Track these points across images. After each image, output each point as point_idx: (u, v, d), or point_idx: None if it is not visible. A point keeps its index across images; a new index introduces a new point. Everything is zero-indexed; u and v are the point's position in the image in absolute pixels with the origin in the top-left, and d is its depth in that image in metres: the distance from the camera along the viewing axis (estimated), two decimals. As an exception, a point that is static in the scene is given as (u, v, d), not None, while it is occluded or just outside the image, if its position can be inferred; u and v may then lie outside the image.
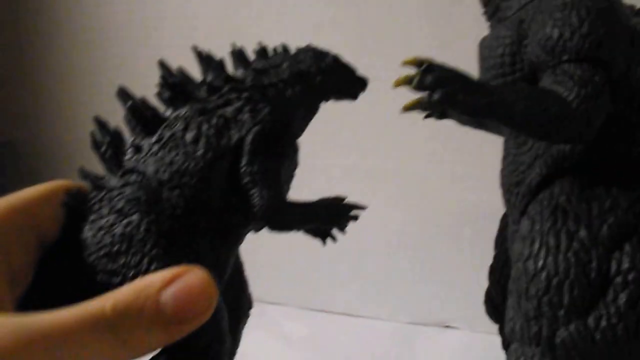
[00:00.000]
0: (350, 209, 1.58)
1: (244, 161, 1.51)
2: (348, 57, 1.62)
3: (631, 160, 1.32)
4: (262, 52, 1.67)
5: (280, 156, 1.57)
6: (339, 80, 1.65)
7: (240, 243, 1.61)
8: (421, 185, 2.32)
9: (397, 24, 2.31)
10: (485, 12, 1.43)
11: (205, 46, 1.68)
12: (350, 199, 1.53)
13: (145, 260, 1.45)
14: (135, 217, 1.48)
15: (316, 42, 1.64)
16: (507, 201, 1.43)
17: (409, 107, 1.18)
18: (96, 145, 1.56)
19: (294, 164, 1.66)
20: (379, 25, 2.35)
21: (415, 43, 2.25)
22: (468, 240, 2.23)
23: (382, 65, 2.16)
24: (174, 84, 1.59)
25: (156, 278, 0.76)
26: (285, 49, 1.68)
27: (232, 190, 1.54)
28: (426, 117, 1.52)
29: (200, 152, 1.51)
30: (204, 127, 1.53)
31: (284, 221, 1.53)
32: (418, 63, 1.18)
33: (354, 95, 1.68)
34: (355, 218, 1.59)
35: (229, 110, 1.57)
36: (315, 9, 2.45)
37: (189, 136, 1.52)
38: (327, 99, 1.69)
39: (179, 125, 1.54)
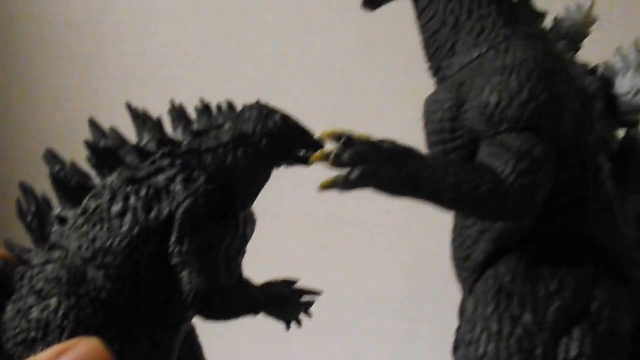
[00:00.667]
0: (300, 295, 1.43)
1: (172, 239, 1.38)
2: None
3: (582, 235, 1.20)
4: (203, 109, 1.53)
5: (218, 232, 1.42)
6: (288, 143, 1.48)
7: (187, 326, 1.46)
8: (405, 238, 2.21)
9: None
10: (429, 69, 1.33)
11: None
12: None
13: None
14: (53, 300, 1.37)
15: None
16: (458, 275, 1.32)
17: (325, 187, 1.08)
18: (21, 214, 1.47)
19: (243, 237, 1.51)
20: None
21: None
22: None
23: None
24: (102, 149, 1.49)
25: (43, 355, 0.69)
26: (230, 105, 1.54)
27: (164, 271, 1.40)
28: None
29: (125, 228, 1.39)
30: (132, 198, 1.41)
31: (219, 311, 1.39)
32: (336, 136, 1.09)
33: (305, 161, 1.47)
34: (308, 306, 1.44)
35: (160, 179, 1.44)
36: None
37: (115, 209, 1.41)
38: (276, 165, 1.53)
39: (106, 196, 1.43)
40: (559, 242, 1.20)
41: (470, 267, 1.26)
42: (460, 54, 1.25)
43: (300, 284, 1.45)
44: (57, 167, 1.49)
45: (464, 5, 1.25)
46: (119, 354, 1.27)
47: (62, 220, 1.44)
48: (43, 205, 1.48)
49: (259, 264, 1.55)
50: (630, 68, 1.26)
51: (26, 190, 1.47)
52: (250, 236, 1.53)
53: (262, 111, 1.48)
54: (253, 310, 1.41)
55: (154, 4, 2.62)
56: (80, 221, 1.42)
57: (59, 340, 1.31)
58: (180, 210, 1.39)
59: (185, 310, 1.41)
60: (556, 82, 1.17)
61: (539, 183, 1.12)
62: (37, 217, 1.46)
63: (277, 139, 1.47)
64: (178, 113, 1.53)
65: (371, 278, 2.26)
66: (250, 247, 1.55)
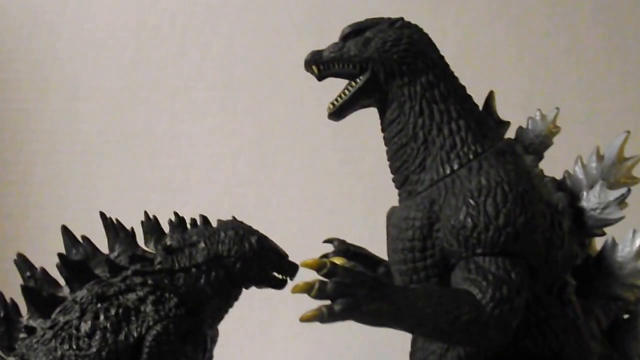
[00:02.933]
0: None
1: None
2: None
3: (550, 353, 1.19)
4: (177, 223, 1.53)
5: (187, 357, 1.41)
6: (263, 267, 1.49)
7: None
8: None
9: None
10: (394, 180, 1.30)
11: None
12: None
13: None
14: None
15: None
16: None
17: (307, 319, 1.02)
18: None
19: (208, 356, 1.49)
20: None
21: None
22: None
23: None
24: (73, 263, 1.46)
25: None
26: (205, 221, 1.54)
27: None
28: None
29: (94, 350, 1.36)
30: (101, 318, 1.38)
31: None
32: (318, 266, 1.03)
33: (280, 285, 1.53)
34: None
35: (131, 297, 1.41)
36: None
37: (84, 327, 1.37)
38: (247, 287, 1.53)
39: (75, 312, 1.40)
40: (524, 362, 1.18)
41: (435, 383, 1.23)
42: (430, 170, 1.22)
43: None
44: (27, 274, 1.48)
45: (434, 120, 1.23)
46: None
47: (30, 331, 1.41)
48: (12, 311, 1.45)
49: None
50: (597, 181, 1.26)
51: None
52: (212, 354, 1.51)
53: (238, 232, 1.49)
54: None
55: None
56: (48, 335, 1.38)
57: None
58: (151, 335, 1.37)
59: None
60: (529, 203, 1.15)
61: (516, 309, 1.10)
62: (4, 323, 1.43)
63: (252, 263, 1.47)
64: (151, 226, 1.52)
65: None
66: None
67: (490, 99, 1.33)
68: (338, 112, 1.30)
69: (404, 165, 1.26)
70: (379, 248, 1.39)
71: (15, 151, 2.61)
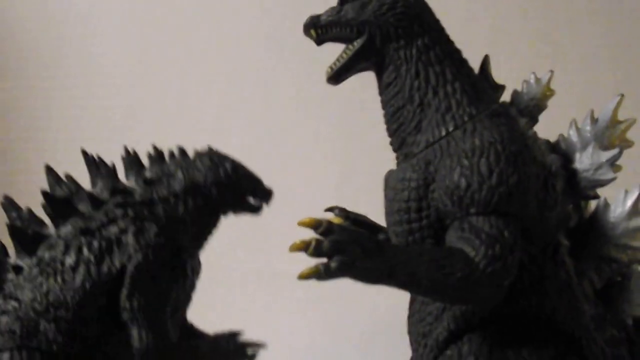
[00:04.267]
0: (245, 348, 1.46)
1: (123, 295, 1.40)
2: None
3: (543, 316, 1.21)
4: (156, 157, 1.56)
5: (168, 286, 1.44)
6: (238, 192, 1.53)
7: None
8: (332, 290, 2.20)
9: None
10: (391, 144, 1.31)
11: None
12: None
13: None
14: (6, 355, 1.37)
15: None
16: (415, 351, 1.31)
17: (305, 276, 1.05)
18: None
19: (190, 284, 1.53)
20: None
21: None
22: (382, 351, 2.10)
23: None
24: (57, 199, 1.50)
25: None
26: (182, 152, 1.56)
27: (114, 325, 1.42)
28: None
29: (78, 282, 1.40)
30: (85, 251, 1.43)
31: None
32: (315, 225, 1.05)
33: (255, 210, 1.56)
34: (252, 358, 1.48)
35: (112, 230, 1.45)
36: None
37: (69, 261, 1.42)
38: (225, 214, 1.57)
39: (60, 247, 1.44)
40: (522, 324, 1.20)
41: (430, 344, 1.25)
42: (426, 132, 1.24)
43: (244, 337, 1.48)
44: (14, 214, 1.51)
45: (430, 83, 1.24)
46: None
47: (17, 270, 1.45)
48: (0, 253, 1.49)
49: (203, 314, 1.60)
50: (590, 143, 1.28)
51: None
52: (196, 283, 1.54)
53: (214, 159, 1.52)
54: None
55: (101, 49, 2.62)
56: (34, 272, 1.43)
57: None
58: (132, 264, 1.41)
59: None
60: (522, 164, 1.17)
61: (508, 268, 1.12)
62: None
63: (227, 188, 1.51)
64: (131, 160, 1.55)
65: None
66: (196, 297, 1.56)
67: (485, 63, 1.34)
68: (336, 75, 1.32)
69: (400, 128, 1.27)
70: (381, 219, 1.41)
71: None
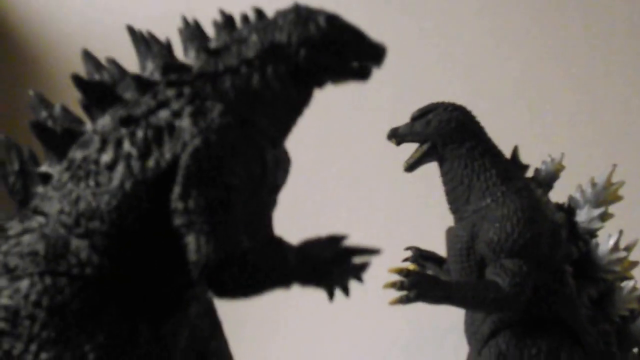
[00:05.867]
0: (350, 255, 1.09)
1: (175, 193, 1.05)
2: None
3: (552, 317, 1.86)
4: (225, 23, 1.20)
5: (237, 181, 1.07)
6: (337, 52, 1.15)
7: (198, 307, 1.19)
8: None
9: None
10: (450, 209, 1.99)
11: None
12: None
13: (32, 348, 1.02)
14: (24, 282, 1.06)
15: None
16: (469, 343, 1.99)
17: (394, 302, 1.75)
18: (4, 175, 1.21)
19: (273, 184, 1.17)
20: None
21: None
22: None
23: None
24: (93, 85, 1.18)
25: None
26: (260, 14, 1.19)
27: (165, 236, 1.08)
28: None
29: (115, 184, 1.08)
30: (126, 144, 1.09)
31: (237, 285, 1.03)
32: (399, 271, 1.76)
33: (362, 75, 1.18)
34: (360, 269, 1.13)
35: (163, 115, 1.11)
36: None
37: (105, 159, 1.10)
38: (320, 84, 1.22)
39: (95, 144, 1.13)
40: (538, 323, 1.87)
41: (479, 337, 1.93)
42: (472, 203, 1.91)
43: (349, 242, 1.12)
44: (44, 114, 1.21)
45: (475, 171, 1.91)
46: (106, 349, 1.04)
47: (45, 178, 1.17)
48: (29, 162, 1.21)
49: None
50: (587, 202, 1.92)
51: (10, 146, 1.21)
52: (284, 182, 1.23)
53: (301, 14, 1.15)
54: (284, 280, 1.07)
55: None
56: (64, 178, 1.13)
57: (29, 333, 1.03)
58: (187, 153, 1.06)
59: (191, 286, 1.13)
60: (535, 224, 1.83)
61: (525, 289, 1.79)
62: (21, 177, 1.19)
63: (320, 48, 1.14)
64: (192, 31, 1.20)
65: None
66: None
67: (515, 152, 1.99)
68: (411, 167, 1.98)
69: (455, 200, 1.94)
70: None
71: None
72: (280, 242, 1.08)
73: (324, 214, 2.94)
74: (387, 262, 1.76)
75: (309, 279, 1.06)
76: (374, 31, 1.21)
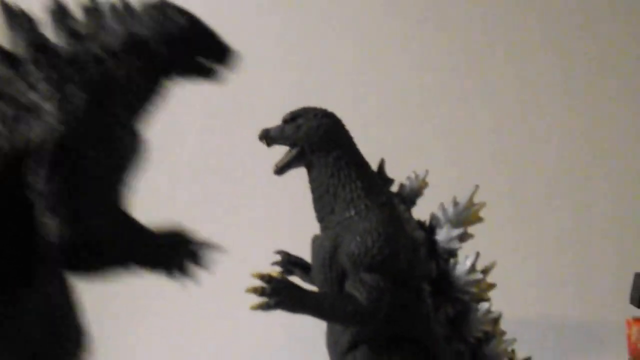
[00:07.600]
0: (189, 243, 1.27)
1: (37, 175, 1.10)
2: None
3: (408, 334, 1.86)
4: (92, 8, 1.25)
5: (95, 164, 1.16)
6: (193, 52, 1.29)
7: (56, 287, 1.23)
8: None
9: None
10: (316, 217, 1.97)
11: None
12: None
13: None
14: None
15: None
16: (329, 354, 1.98)
17: (254, 308, 1.71)
18: None
19: (128, 170, 1.28)
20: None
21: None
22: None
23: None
24: None
25: None
26: (126, 5, 1.28)
27: (22, 215, 1.16)
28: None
29: None
30: None
31: (89, 265, 1.15)
32: (261, 277, 1.72)
33: (209, 74, 1.33)
34: (198, 256, 1.29)
35: (30, 97, 1.15)
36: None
37: None
38: (175, 78, 1.33)
39: None
40: (394, 339, 1.87)
41: (338, 350, 1.91)
42: (337, 214, 1.89)
43: (191, 232, 1.30)
44: None
45: (340, 181, 1.90)
46: None
47: None
48: None
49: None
50: (448, 222, 1.94)
51: None
52: (138, 166, 1.33)
53: (165, 12, 1.27)
54: (132, 261, 1.21)
55: None
56: None
57: None
58: (52, 137, 1.12)
59: (45, 263, 1.18)
60: (395, 240, 1.83)
61: (382, 305, 1.78)
62: None
63: (179, 46, 1.27)
64: (60, 10, 1.26)
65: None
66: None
67: (381, 165, 2.00)
68: (280, 170, 1.95)
69: (322, 209, 1.93)
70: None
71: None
72: (131, 225, 1.20)
73: (199, 212, 2.90)
74: (266, 263, 1.76)
75: (146, 260, 1.19)
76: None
